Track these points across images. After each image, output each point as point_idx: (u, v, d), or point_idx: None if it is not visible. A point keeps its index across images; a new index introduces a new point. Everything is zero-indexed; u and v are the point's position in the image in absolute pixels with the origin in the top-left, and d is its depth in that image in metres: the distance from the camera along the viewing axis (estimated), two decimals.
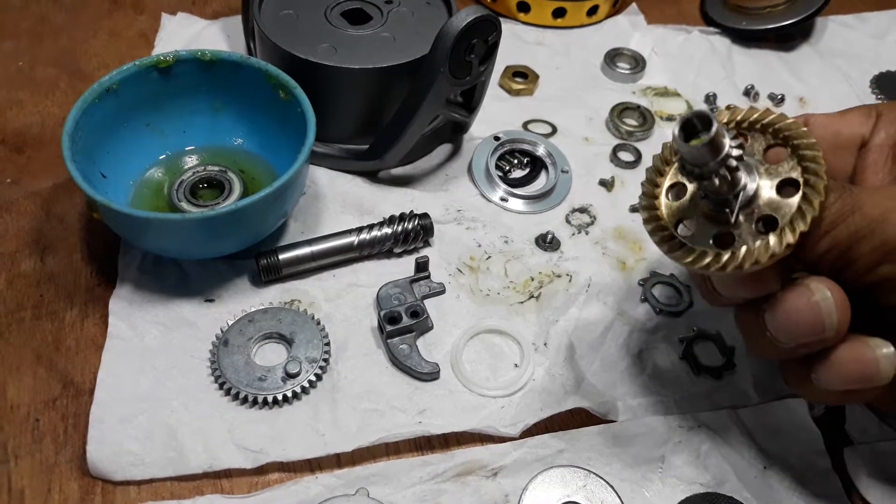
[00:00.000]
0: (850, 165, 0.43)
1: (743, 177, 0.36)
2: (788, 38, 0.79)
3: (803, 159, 0.36)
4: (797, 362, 0.39)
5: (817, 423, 0.48)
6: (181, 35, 0.73)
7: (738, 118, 0.39)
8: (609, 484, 0.44)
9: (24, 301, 0.52)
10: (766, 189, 0.36)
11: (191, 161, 0.58)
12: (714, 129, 0.33)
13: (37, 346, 0.50)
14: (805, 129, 0.37)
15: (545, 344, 0.52)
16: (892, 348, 0.36)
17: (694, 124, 0.34)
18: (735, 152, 0.34)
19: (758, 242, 0.35)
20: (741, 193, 0.36)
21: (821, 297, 0.35)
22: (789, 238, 0.35)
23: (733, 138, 0.35)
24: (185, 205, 0.54)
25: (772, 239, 0.35)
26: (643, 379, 0.50)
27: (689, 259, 0.37)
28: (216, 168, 0.57)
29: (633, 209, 0.61)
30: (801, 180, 0.36)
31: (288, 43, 0.58)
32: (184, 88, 0.56)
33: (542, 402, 0.48)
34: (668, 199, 0.40)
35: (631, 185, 0.63)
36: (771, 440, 0.47)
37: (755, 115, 0.38)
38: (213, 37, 0.74)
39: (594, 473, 0.45)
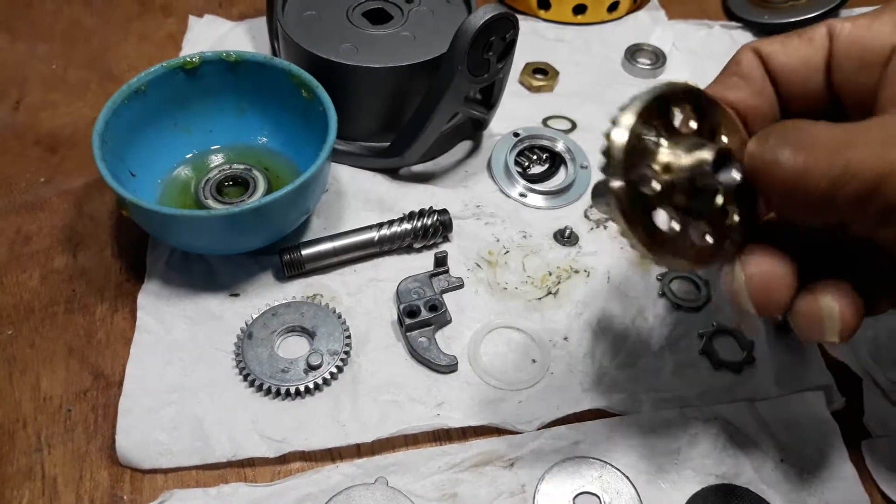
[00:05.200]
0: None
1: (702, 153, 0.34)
2: None
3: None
4: None
5: (835, 415, 0.48)
6: (208, 37, 0.75)
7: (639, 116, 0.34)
8: (624, 475, 0.45)
9: (57, 296, 0.54)
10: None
11: (217, 159, 0.60)
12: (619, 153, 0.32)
13: (69, 339, 0.52)
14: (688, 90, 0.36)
15: (565, 338, 0.52)
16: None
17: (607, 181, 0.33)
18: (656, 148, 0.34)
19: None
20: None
21: (827, 315, 0.34)
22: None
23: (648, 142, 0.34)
24: (211, 202, 0.56)
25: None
26: (663, 374, 0.50)
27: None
28: (241, 166, 0.58)
29: None
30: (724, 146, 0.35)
31: (310, 43, 0.59)
32: (210, 89, 0.58)
33: (559, 399, 0.49)
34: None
35: None
36: (788, 433, 0.47)
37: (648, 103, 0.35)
38: (239, 38, 0.75)
39: (609, 464, 0.45)
